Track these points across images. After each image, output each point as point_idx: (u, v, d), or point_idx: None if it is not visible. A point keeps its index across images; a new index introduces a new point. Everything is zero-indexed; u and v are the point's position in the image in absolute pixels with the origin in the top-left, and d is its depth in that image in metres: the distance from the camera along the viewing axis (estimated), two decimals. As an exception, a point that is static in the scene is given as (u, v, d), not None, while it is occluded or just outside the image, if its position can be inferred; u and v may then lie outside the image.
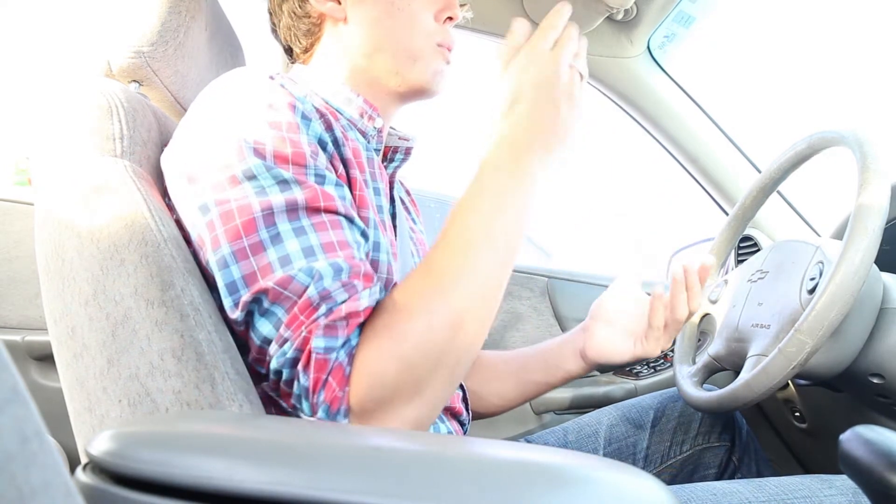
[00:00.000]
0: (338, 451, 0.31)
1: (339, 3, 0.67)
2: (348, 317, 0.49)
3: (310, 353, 0.48)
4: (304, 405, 0.49)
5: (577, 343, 0.83)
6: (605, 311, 0.82)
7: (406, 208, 0.83)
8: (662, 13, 1.15)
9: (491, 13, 1.18)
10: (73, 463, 1.14)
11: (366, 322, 0.50)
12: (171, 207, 0.58)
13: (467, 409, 0.79)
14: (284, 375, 0.50)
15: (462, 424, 0.76)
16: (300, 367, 0.48)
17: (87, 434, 0.52)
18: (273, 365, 0.50)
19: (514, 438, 1.11)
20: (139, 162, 0.57)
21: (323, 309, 0.48)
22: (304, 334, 0.48)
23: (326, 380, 0.47)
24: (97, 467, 0.30)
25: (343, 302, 0.49)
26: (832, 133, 0.79)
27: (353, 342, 0.49)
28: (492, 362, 0.88)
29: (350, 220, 0.55)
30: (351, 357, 0.48)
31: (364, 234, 0.57)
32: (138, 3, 0.63)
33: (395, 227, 0.71)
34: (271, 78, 0.56)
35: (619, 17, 1.15)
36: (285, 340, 0.49)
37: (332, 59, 0.68)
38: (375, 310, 0.51)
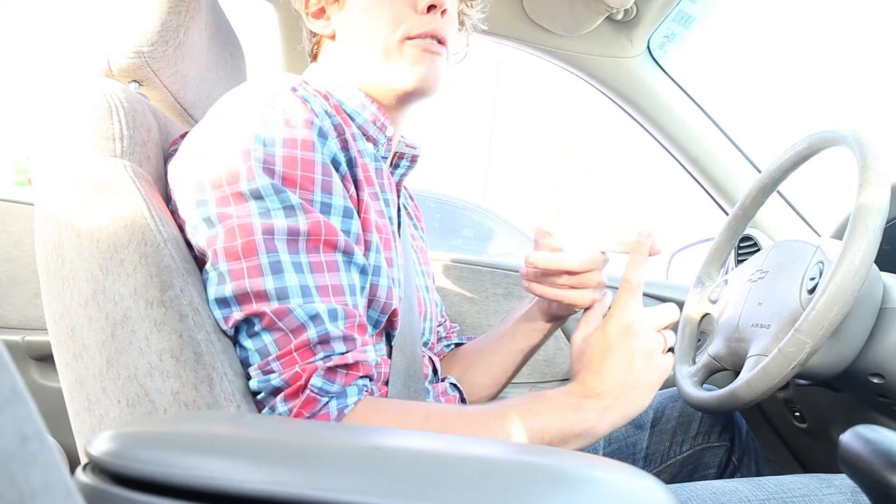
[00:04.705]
0: (338, 451, 0.31)
1: (329, 20, 0.68)
2: (353, 367, 0.50)
3: (299, 388, 0.49)
4: None
5: (540, 303, 0.82)
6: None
7: (409, 214, 0.83)
8: (662, 13, 1.15)
9: (490, 13, 1.18)
10: (73, 463, 1.14)
11: (379, 401, 0.52)
12: (172, 211, 0.58)
13: (467, 409, 0.79)
14: (259, 398, 0.51)
15: None
16: (282, 396, 0.49)
17: (87, 434, 0.52)
18: (251, 385, 0.51)
19: (514, 438, 1.11)
20: (139, 162, 0.57)
21: (320, 354, 0.49)
22: (296, 371, 0.49)
23: (309, 419, 0.48)
24: (97, 467, 0.30)
25: (346, 352, 0.51)
26: (832, 133, 0.79)
27: (349, 400, 0.50)
28: (473, 348, 0.87)
29: (349, 257, 0.54)
30: (341, 414, 0.49)
31: (363, 271, 0.56)
32: (138, 3, 0.63)
33: (399, 236, 0.71)
34: (294, 89, 0.55)
35: (619, 17, 1.15)
36: (271, 370, 0.50)
37: (334, 69, 0.69)
38: (394, 400, 0.54)
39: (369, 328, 0.56)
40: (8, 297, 1.22)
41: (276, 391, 0.49)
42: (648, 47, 1.25)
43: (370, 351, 0.53)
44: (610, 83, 1.29)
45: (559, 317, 0.78)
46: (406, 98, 0.67)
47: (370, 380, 0.54)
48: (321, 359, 0.49)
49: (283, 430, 0.36)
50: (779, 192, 1.26)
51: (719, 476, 0.91)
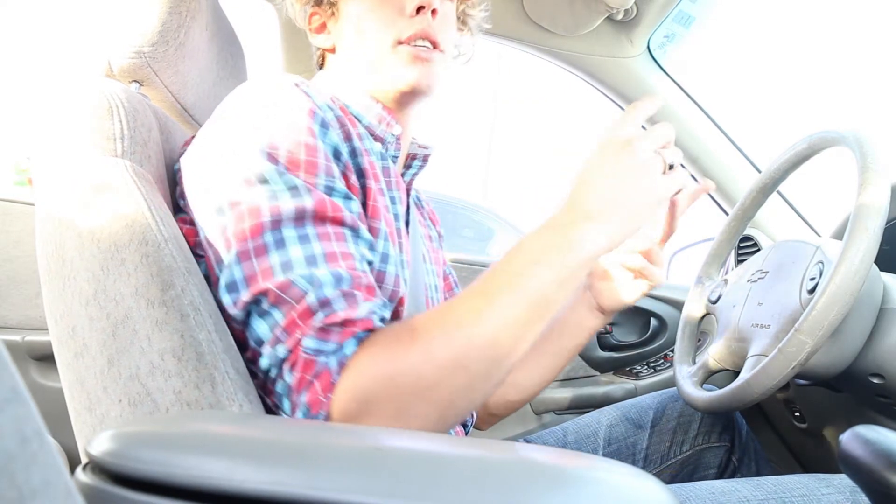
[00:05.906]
0: (338, 451, 0.31)
1: (329, 34, 0.70)
2: (344, 323, 0.49)
3: (298, 352, 0.48)
4: (285, 403, 0.50)
5: (589, 301, 0.82)
6: (601, 267, 0.81)
7: (423, 214, 0.83)
8: (662, 13, 1.15)
9: (491, 13, 1.18)
10: (73, 463, 1.14)
11: (368, 337, 0.50)
12: (178, 207, 0.58)
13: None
14: (272, 374, 0.51)
15: (463, 423, 0.76)
16: (287, 365, 0.49)
17: (88, 434, 0.52)
18: (263, 364, 0.51)
19: (514, 438, 1.11)
20: (140, 162, 0.57)
21: (320, 315, 0.49)
22: (297, 337, 0.49)
23: (311, 382, 0.48)
24: (97, 467, 0.30)
25: (342, 310, 0.50)
26: (832, 133, 0.79)
27: (347, 352, 0.49)
28: None
29: (356, 232, 0.55)
30: (342, 367, 0.48)
31: (371, 247, 0.57)
32: (139, 4, 0.63)
33: (408, 233, 0.71)
34: (296, 85, 0.58)
35: (619, 17, 1.15)
36: (278, 341, 0.49)
37: (338, 77, 0.70)
38: (383, 329, 0.51)
39: (378, 292, 0.55)
40: (8, 296, 1.22)
41: (282, 362, 0.49)
42: (648, 47, 1.25)
43: (363, 307, 0.51)
44: (610, 83, 1.29)
45: (608, 311, 0.81)
46: (404, 99, 0.68)
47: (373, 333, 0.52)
48: (321, 319, 0.49)
49: (283, 430, 0.36)
50: (779, 192, 1.26)
51: (719, 476, 0.91)
